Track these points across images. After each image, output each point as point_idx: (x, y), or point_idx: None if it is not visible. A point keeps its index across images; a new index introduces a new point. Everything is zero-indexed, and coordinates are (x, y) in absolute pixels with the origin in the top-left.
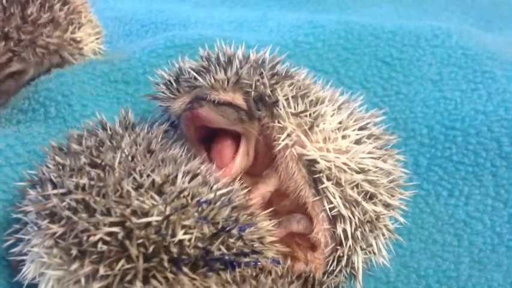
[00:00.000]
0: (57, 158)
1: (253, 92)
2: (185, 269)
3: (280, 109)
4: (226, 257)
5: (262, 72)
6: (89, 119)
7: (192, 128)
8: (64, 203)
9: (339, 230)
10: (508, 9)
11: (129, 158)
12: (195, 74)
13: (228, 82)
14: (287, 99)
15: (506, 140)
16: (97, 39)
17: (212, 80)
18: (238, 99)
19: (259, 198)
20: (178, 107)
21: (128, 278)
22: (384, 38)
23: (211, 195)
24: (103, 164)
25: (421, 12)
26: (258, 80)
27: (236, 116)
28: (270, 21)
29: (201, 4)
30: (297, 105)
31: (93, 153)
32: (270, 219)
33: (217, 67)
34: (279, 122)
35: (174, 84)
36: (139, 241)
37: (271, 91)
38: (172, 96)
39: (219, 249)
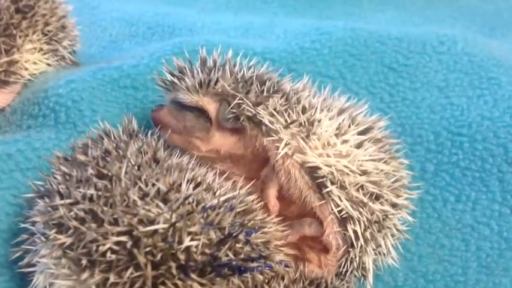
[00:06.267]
0: (63, 168)
1: (238, 112)
2: (193, 276)
3: (268, 126)
4: (234, 263)
5: (248, 92)
6: (98, 124)
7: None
8: (71, 213)
9: (350, 231)
10: (511, 16)
11: (135, 167)
12: (174, 77)
13: (201, 85)
14: (273, 115)
15: None
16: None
17: (188, 82)
18: (210, 104)
19: (275, 201)
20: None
21: (137, 285)
22: (390, 45)
23: (216, 201)
24: (110, 174)
25: (424, 19)
26: (241, 99)
27: (193, 123)
28: (276, 28)
29: (207, 9)
30: (287, 116)
31: (99, 163)
32: (279, 224)
33: (200, 70)
34: (272, 136)
35: (168, 81)
36: (147, 249)
37: (254, 112)
38: (165, 92)
39: (227, 255)
